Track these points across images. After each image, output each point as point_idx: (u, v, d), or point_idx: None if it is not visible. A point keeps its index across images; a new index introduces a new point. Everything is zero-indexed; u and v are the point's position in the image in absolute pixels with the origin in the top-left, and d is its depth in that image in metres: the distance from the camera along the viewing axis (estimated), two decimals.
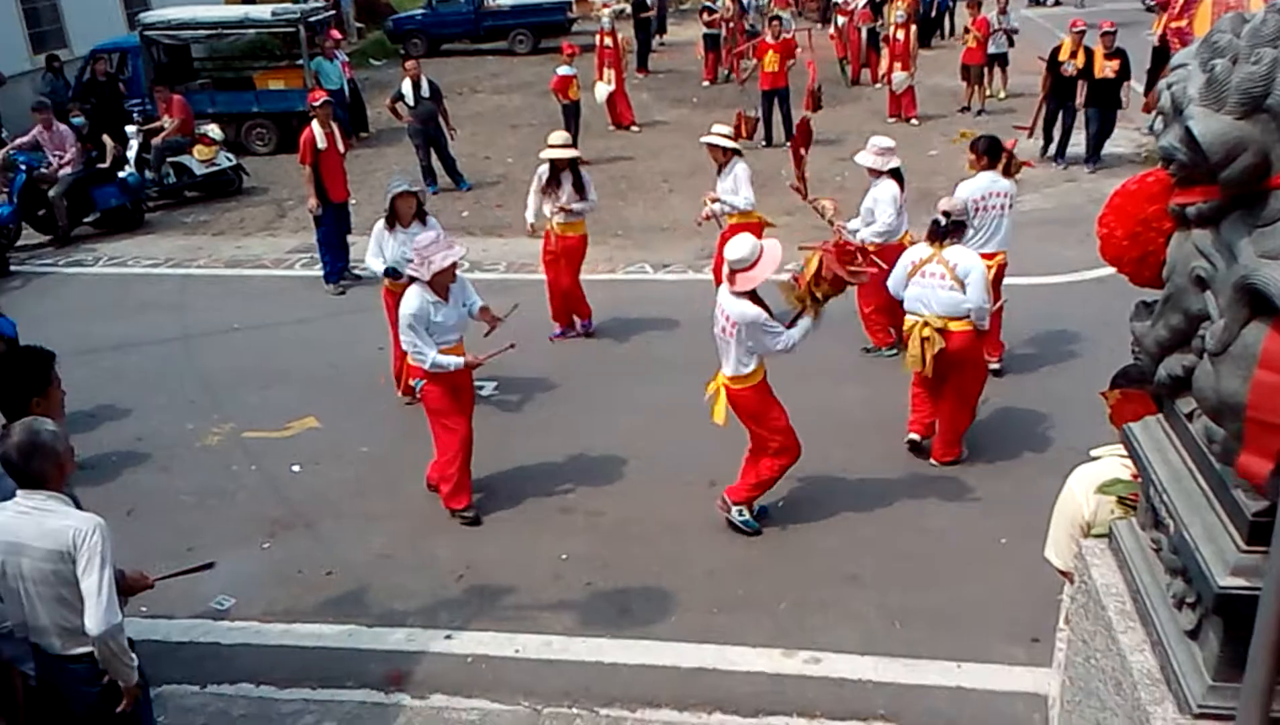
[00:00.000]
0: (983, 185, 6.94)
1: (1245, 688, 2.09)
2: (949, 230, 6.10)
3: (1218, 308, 2.26)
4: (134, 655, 3.48)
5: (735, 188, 7.99)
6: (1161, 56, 13.38)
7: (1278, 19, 2.21)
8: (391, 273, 6.93)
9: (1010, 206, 7.04)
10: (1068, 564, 3.47)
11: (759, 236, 5.80)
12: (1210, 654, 2.32)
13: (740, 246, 5.29)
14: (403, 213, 6.88)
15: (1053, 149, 13.08)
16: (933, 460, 6.41)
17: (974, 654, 4.78)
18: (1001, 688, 4.59)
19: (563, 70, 14.26)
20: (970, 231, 6.48)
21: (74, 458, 3.59)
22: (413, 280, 5.69)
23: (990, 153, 7.02)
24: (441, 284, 5.67)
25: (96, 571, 3.32)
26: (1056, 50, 12.72)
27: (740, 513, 5.79)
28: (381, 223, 7.03)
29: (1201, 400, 2.28)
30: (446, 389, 5.80)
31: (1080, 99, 12.45)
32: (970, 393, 6.34)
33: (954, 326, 6.01)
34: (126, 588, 3.81)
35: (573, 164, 7.98)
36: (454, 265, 5.67)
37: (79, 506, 3.61)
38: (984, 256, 6.38)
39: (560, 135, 8.25)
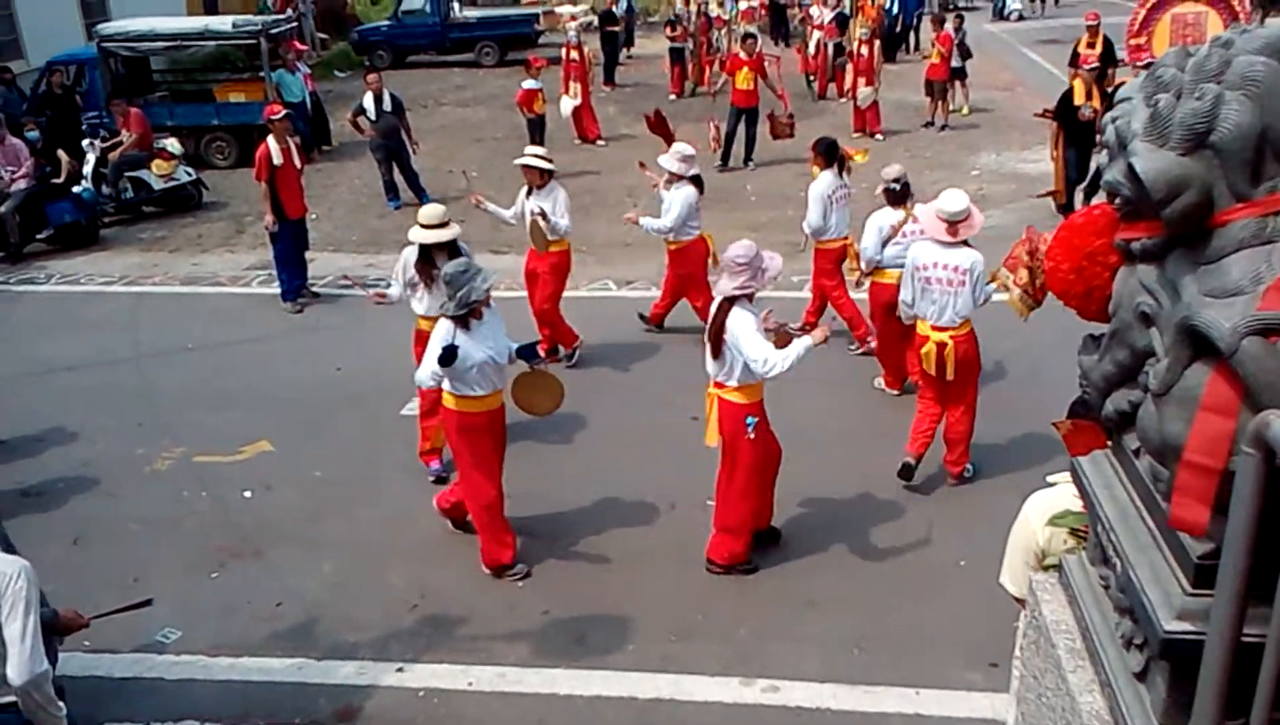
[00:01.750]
0: (830, 183, 7.79)
1: None
2: (904, 192, 7.03)
3: (1162, 345, 2.22)
4: (62, 705, 3.34)
5: (555, 209, 7.77)
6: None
7: (1221, 54, 2.18)
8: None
9: (848, 199, 8.00)
10: (1022, 591, 3.44)
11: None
12: (1157, 698, 2.27)
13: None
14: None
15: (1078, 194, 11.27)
16: (953, 475, 6.34)
17: (932, 680, 4.74)
18: (959, 714, 4.56)
19: (528, 84, 14.23)
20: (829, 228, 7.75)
21: None
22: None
23: (829, 154, 7.84)
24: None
25: (20, 618, 3.19)
26: (1064, 97, 11.39)
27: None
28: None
29: (1145, 441, 2.25)
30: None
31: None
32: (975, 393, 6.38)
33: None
34: (61, 628, 3.69)
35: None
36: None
37: (9, 547, 3.48)
38: (836, 241, 7.85)
39: (433, 213, 6.48)
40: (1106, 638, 2.53)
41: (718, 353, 5.20)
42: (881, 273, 7.17)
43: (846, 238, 7.96)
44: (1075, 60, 12.66)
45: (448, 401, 5.43)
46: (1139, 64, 11.79)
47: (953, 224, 6.01)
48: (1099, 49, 12.54)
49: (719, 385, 5.31)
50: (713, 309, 5.26)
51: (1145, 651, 2.33)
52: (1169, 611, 2.17)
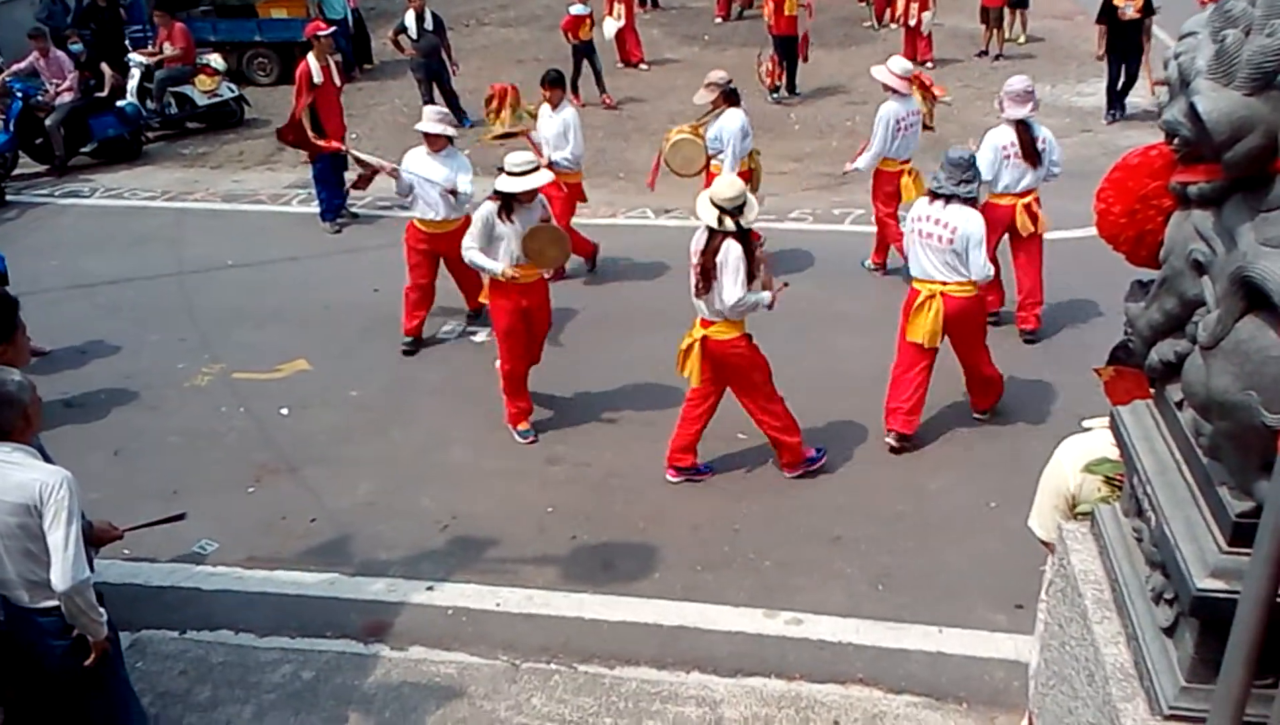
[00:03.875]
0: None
1: (1218, 695, 2.02)
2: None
3: (1214, 296, 2.14)
4: (102, 610, 3.44)
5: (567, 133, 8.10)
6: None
7: None
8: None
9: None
10: (1050, 536, 3.40)
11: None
12: (1185, 654, 2.24)
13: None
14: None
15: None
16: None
17: (956, 619, 4.74)
18: (981, 654, 4.56)
19: (575, 9, 13.74)
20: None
21: (40, 410, 3.51)
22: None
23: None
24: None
25: (63, 526, 3.27)
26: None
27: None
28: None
29: (1190, 394, 2.18)
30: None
31: (1148, 39, 11.42)
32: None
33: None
34: (95, 539, 3.78)
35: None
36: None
37: (46, 458, 3.55)
38: (895, 165, 7.91)
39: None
40: (1136, 591, 2.50)
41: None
42: (996, 196, 7.11)
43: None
44: (1109, 13, 11.47)
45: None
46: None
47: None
48: (1138, 1, 11.23)
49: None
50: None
51: (1175, 607, 2.29)
52: (1202, 568, 2.13)
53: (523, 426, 6.29)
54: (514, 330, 6.13)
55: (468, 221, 6.43)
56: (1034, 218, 7.05)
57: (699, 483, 5.81)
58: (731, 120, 7.78)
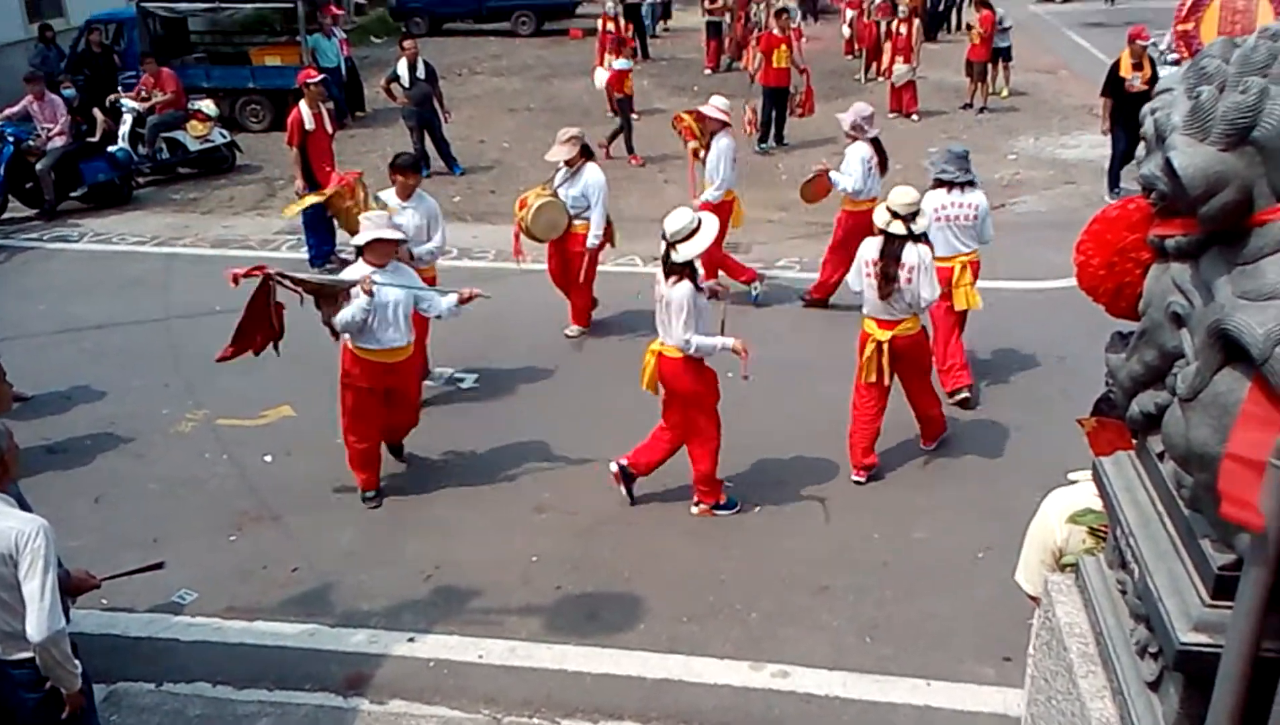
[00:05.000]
0: (602, 174, 7.86)
1: None
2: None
3: (1192, 348, 2.15)
4: (77, 662, 3.38)
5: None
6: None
7: (1269, 46, 2.09)
8: None
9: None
10: (1037, 590, 3.37)
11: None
12: (1170, 709, 2.22)
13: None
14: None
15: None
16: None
17: (944, 672, 4.70)
18: (970, 707, 4.51)
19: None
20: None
21: (17, 457, 3.48)
22: None
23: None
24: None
25: (39, 575, 3.22)
26: (1113, 68, 11.16)
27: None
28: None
29: (1170, 446, 2.18)
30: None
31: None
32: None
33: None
34: (72, 588, 3.72)
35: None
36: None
37: (24, 505, 3.51)
38: (866, 203, 8.00)
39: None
40: (1120, 644, 2.47)
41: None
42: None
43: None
44: (1114, 84, 11.03)
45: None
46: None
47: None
48: (1146, 72, 10.79)
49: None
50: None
51: (1159, 661, 2.27)
52: (1186, 622, 2.12)
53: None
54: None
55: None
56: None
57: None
58: (595, 174, 7.69)
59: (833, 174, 8.16)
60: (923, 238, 5.89)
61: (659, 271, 5.56)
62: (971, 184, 6.88)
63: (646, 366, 5.73)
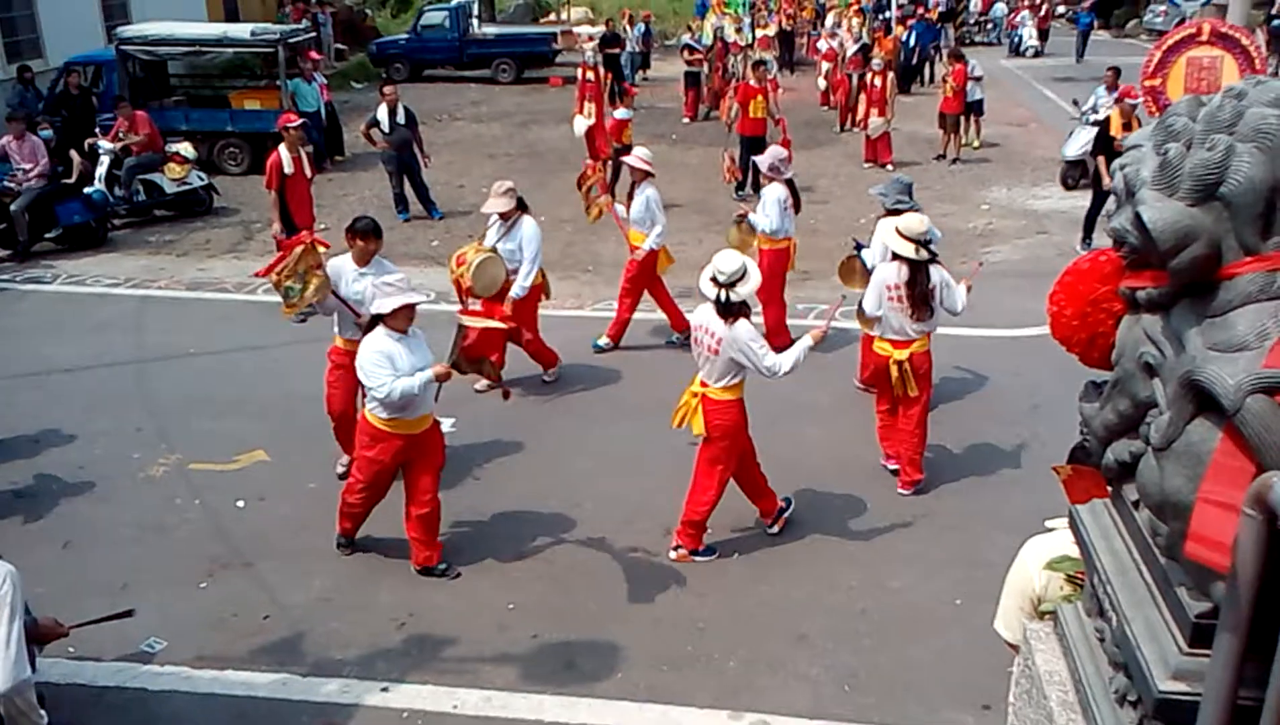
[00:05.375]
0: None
1: None
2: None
3: (1165, 398, 2.18)
4: (43, 712, 3.31)
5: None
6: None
7: (1234, 105, 2.16)
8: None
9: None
10: (1016, 637, 3.38)
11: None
12: None
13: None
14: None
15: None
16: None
17: (923, 720, 4.67)
18: None
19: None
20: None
21: None
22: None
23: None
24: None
25: (4, 623, 3.17)
26: (1103, 127, 11.49)
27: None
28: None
29: (1145, 494, 2.21)
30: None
31: None
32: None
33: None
34: (40, 636, 3.66)
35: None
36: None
37: None
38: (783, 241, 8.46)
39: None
40: (1100, 692, 2.48)
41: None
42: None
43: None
44: (1105, 144, 11.22)
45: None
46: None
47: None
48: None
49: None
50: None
51: (1139, 710, 2.28)
52: (1164, 670, 2.13)
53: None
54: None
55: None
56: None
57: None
58: (531, 227, 7.59)
59: (751, 216, 8.45)
60: (937, 257, 6.32)
61: (703, 318, 5.57)
62: (912, 208, 6.96)
63: (686, 408, 5.77)
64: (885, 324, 6.39)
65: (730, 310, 5.43)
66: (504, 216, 7.59)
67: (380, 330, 5.33)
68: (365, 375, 5.27)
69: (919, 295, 6.17)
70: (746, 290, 5.48)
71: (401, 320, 5.32)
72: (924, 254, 6.19)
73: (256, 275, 6.63)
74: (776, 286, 8.51)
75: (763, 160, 8.58)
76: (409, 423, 5.43)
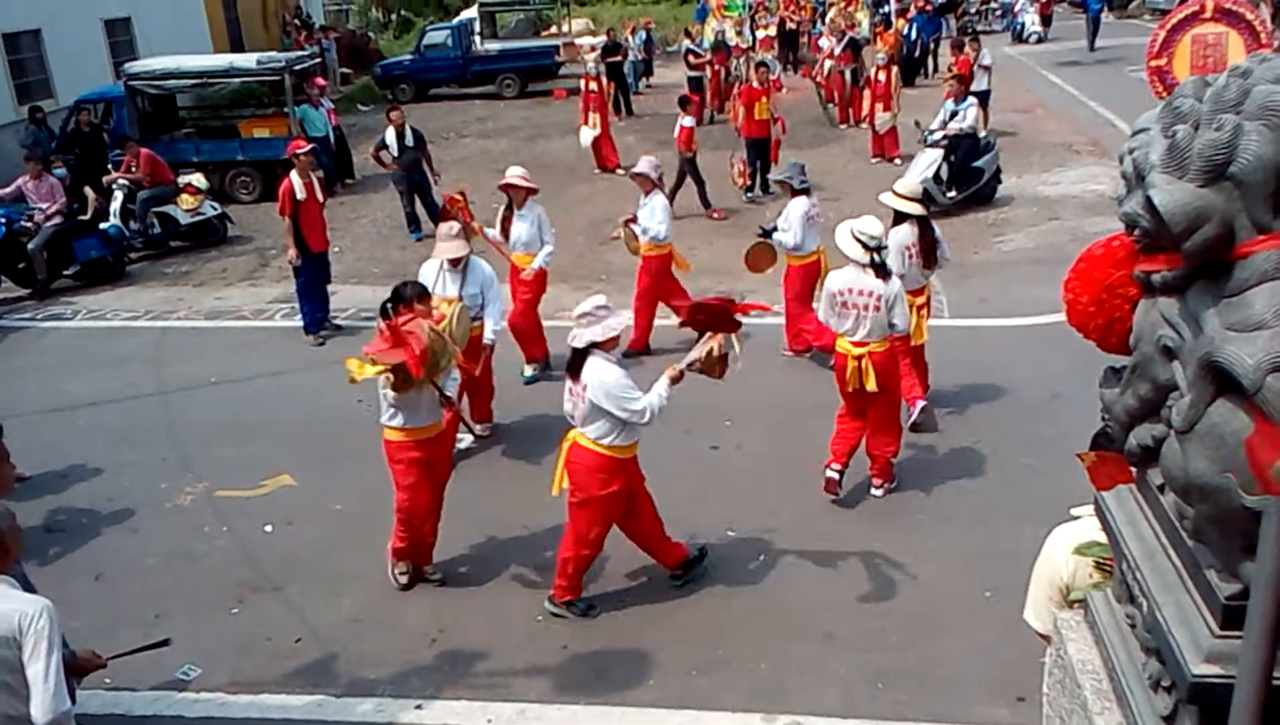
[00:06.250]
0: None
1: None
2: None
3: (1185, 380, 2.18)
4: None
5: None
6: None
7: (1240, 84, 2.15)
8: None
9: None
10: (1047, 627, 3.36)
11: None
12: None
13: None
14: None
15: None
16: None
17: (956, 714, 4.65)
18: None
19: (685, 121, 13.81)
20: None
21: (19, 538, 3.46)
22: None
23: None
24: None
25: (43, 658, 3.20)
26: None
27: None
28: None
29: (1170, 479, 2.20)
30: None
31: None
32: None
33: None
34: (78, 668, 3.68)
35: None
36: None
37: (28, 586, 3.50)
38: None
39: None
40: (1133, 679, 2.47)
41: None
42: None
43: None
44: None
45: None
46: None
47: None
48: None
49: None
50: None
51: (1173, 694, 2.26)
52: (1197, 653, 2.12)
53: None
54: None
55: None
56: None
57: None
58: (485, 268, 7.28)
59: (635, 225, 8.67)
60: (888, 269, 6.35)
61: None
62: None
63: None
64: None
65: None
66: (454, 263, 6.98)
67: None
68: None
69: (928, 245, 6.99)
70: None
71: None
72: (918, 209, 7.00)
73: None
74: (808, 297, 8.42)
75: (641, 167, 8.73)
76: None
